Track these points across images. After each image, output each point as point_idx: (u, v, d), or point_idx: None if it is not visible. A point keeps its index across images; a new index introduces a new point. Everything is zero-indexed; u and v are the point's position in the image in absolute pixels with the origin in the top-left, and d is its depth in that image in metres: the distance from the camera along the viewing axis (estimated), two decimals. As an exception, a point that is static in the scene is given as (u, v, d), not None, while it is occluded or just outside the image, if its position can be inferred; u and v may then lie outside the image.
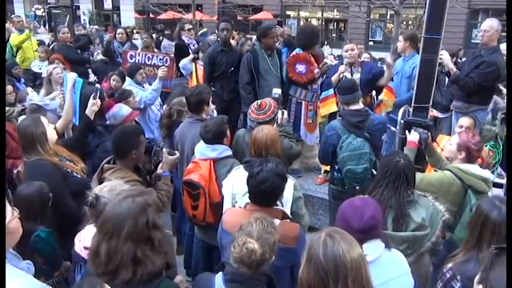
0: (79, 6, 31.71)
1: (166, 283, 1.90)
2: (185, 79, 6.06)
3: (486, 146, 3.99)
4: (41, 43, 9.05)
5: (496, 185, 3.39)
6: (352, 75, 4.60)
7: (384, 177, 2.52)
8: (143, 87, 5.19)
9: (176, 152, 3.31)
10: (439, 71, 4.10)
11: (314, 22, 27.68)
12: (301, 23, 26.55)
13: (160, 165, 3.14)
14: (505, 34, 5.05)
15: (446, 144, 3.16)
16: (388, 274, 1.98)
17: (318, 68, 4.83)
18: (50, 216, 2.76)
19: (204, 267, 3.11)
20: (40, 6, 33.31)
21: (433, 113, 5.44)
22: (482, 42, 4.82)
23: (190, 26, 7.56)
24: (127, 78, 5.17)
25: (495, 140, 4.33)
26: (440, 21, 3.39)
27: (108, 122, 3.97)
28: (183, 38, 7.05)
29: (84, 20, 26.29)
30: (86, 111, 3.72)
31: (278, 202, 2.43)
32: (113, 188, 2.29)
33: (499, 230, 2.02)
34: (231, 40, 5.70)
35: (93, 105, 3.68)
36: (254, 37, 7.04)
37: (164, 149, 3.23)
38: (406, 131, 3.34)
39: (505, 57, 4.86)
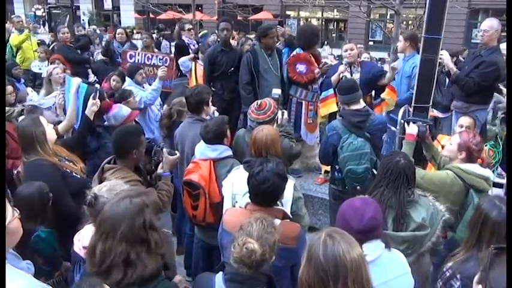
0: (79, 6, 31.72)
1: (164, 284, 1.90)
2: (185, 79, 6.07)
3: (486, 145, 4.00)
4: (42, 43, 9.05)
5: (496, 185, 3.39)
6: (351, 75, 4.60)
7: (384, 177, 2.51)
8: (143, 87, 5.19)
9: (176, 152, 3.31)
10: (439, 71, 4.10)
11: (314, 22, 27.69)
12: (301, 23, 26.56)
13: (160, 165, 3.14)
14: (505, 34, 5.05)
15: (447, 144, 3.16)
16: (388, 274, 1.98)
17: (318, 68, 4.83)
18: (50, 217, 2.76)
19: (204, 268, 3.11)
20: (40, 6, 33.34)
21: (434, 112, 5.44)
22: (482, 42, 4.82)
23: (191, 26, 7.56)
24: (127, 78, 5.17)
25: (495, 139, 4.34)
26: (440, 21, 3.39)
27: (106, 123, 3.96)
28: (183, 38, 7.05)
29: (83, 20, 26.28)
30: (86, 112, 3.73)
31: (278, 202, 2.43)
32: (112, 187, 2.29)
33: (499, 229, 2.02)
34: (231, 40, 5.70)
35: (92, 106, 3.69)
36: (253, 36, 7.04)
37: (164, 149, 3.22)
38: (405, 124, 3.34)
39: (505, 57, 4.86)
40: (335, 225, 2.00)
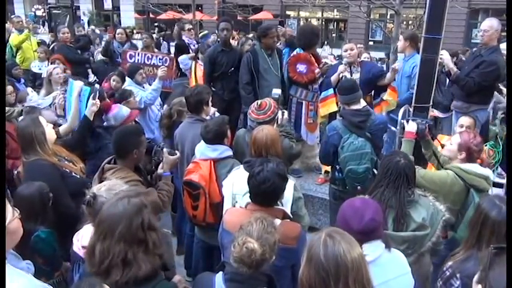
0: (79, 6, 31.73)
1: (163, 284, 1.89)
2: (186, 79, 6.08)
3: (486, 145, 3.99)
4: (42, 43, 9.05)
5: (496, 185, 3.39)
6: (351, 75, 4.61)
7: (385, 177, 2.51)
8: (143, 87, 5.19)
9: (177, 152, 3.31)
10: (438, 71, 4.10)
11: (314, 22, 27.69)
12: (301, 23, 26.56)
13: (160, 165, 3.14)
14: (505, 34, 5.05)
15: (447, 144, 3.16)
16: (388, 274, 1.98)
17: (318, 68, 4.83)
18: (51, 217, 2.76)
19: (204, 268, 3.11)
20: (40, 7, 33.34)
21: (434, 112, 5.44)
22: (482, 42, 4.82)
23: (191, 26, 7.56)
24: (127, 78, 5.17)
25: (495, 139, 4.33)
26: (440, 21, 3.39)
27: (105, 124, 3.96)
28: (183, 38, 7.05)
29: (82, 20, 26.30)
30: (85, 112, 3.73)
31: (278, 202, 2.43)
32: (111, 187, 2.28)
33: (499, 229, 2.02)
34: (231, 40, 5.70)
35: (92, 106, 3.69)
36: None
37: (165, 149, 3.23)
38: (404, 122, 3.34)
39: (505, 57, 4.86)
40: (335, 225, 2.00)
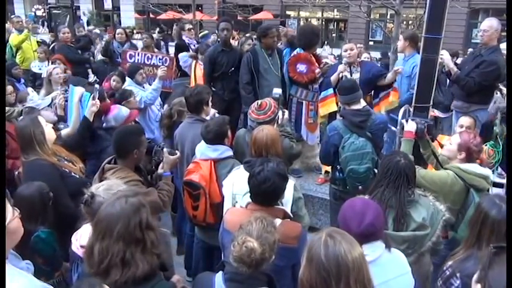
0: (79, 6, 31.74)
1: (161, 284, 1.89)
2: (186, 79, 6.08)
3: (486, 145, 3.99)
4: (42, 43, 9.05)
5: (497, 185, 3.39)
6: (351, 75, 4.60)
7: (385, 177, 2.51)
8: (143, 87, 5.19)
9: (177, 151, 3.31)
10: (439, 71, 4.10)
11: (314, 22, 27.70)
12: (301, 23, 26.57)
13: (161, 165, 3.14)
14: (505, 34, 5.05)
15: (446, 143, 3.16)
16: (388, 274, 1.98)
17: (318, 68, 4.83)
18: (51, 217, 2.76)
19: (204, 268, 3.11)
20: (40, 7, 33.36)
21: (434, 112, 5.44)
22: (482, 42, 4.82)
23: (191, 26, 7.56)
24: (127, 78, 5.17)
25: (495, 139, 4.33)
26: (440, 21, 3.39)
27: (105, 125, 3.95)
28: (184, 38, 7.05)
29: (81, 20, 26.33)
30: (85, 112, 3.72)
31: (278, 202, 2.43)
32: (109, 187, 2.28)
33: (498, 228, 2.02)
34: (231, 40, 5.70)
35: (92, 106, 3.68)
36: (253, 36, 7.04)
37: (165, 149, 3.23)
38: (404, 121, 3.34)
39: (505, 57, 4.86)
40: (336, 225, 2.00)
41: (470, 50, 8.94)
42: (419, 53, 3.67)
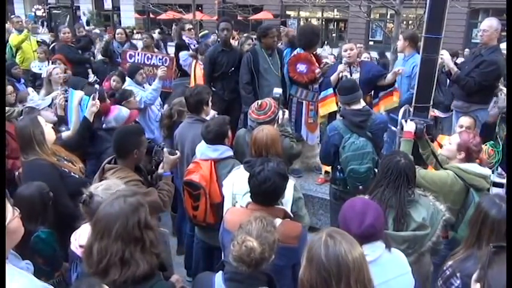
0: (79, 6, 31.75)
1: (160, 284, 1.89)
2: (186, 79, 6.08)
3: (486, 145, 3.99)
4: (43, 43, 9.05)
5: (497, 185, 3.39)
6: (351, 75, 4.60)
7: (385, 176, 2.51)
8: (143, 87, 5.19)
9: (177, 151, 3.31)
10: (439, 71, 4.10)
11: (314, 22, 27.70)
12: (301, 23, 26.57)
13: (161, 165, 3.14)
14: (505, 33, 5.05)
15: (446, 143, 3.16)
16: (388, 274, 1.98)
17: (319, 68, 4.83)
18: (51, 217, 2.76)
19: (204, 268, 3.11)
20: (40, 7, 33.38)
21: (434, 112, 5.43)
22: (482, 42, 4.82)
23: (191, 26, 7.56)
24: (127, 78, 5.17)
25: (495, 139, 4.33)
26: (440, 21, 3.39)
27: (106, 126, 3.95)
28: (184, 37, 7.05)
29: (81, 21, 26.35)
30: (85, 113, 3.72)
31: (279, 202, 2.43)
32: (108, 187, 2.28)
33: (498, 227, 2.02)
34: (231, 40, 5.70)
35: (92, 106, 3.68)
36: (254, 36, 7.05)
37: (165, 149, 3.22)
38: (403, 121, 3.34)
39: (505, 57, 4.86)
40: (336, 225, 2.00)
41: (466, 50, 8.95)
42: (419, 53, 3.67)
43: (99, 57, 7.93)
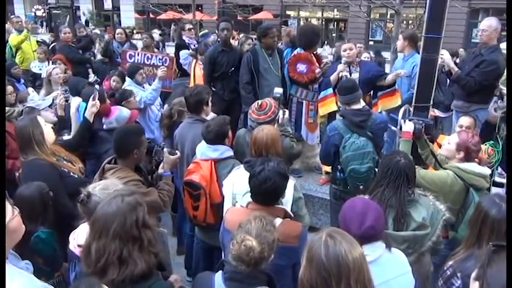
0: (79, 6, 31.76)
1: (159, 284, 1.89)
2: (186, 79, 6.08)
3: (486, 144, 3.99)
4: (43, 43, 9.05)
5: (497, 185, 3.39)
6: (350, 75, 4.60)
7: (385, 176, 2.51)
8: (143, 87, 5.19)
9: (177, 151, 3.31)
10: (439, 71, 4.10)
11: (314, 22, 27.69)
12: (301, 22, 26.57)
13: (161, 165, 3.14)
14: (504, 33, 5.05)
15: (445, 143, 3.16)
16: (388, 274, 1.98)
17: (319, 68, 4.83)
18: (51, 217, 2.76)
19: (204, 268, 3.11)
20: (40, 7, 33.38)
21: (434, 112, 5.43)
22: (482, 42, 4.82)
23: (191, 26, 7.57)
24: (127, 78, 5.17)
25: (495, 139, 4.32)
26: (440, 21, 3.39)
27: (105, 127, 3.95)
28: (184, 37, 7.06)
29: (80, 20, 26.35)
30: (85, 113, 3.72)
31: (279, 201, 2.43)
32: (105, 186, 2.28)
33: (498, 227, 2.02)
34: (231, 40, 5.70)
35: (92, 107, 3.68)
36: (253, 36, 7.06)
37: (165, 149, 3.22)
38: (402, 121, 3.34)
39: (505, 56, 4.86)
40: (336, 225, 2.00)
41: (461, 50, 8.96)
42: (418, 53, 3.67)
43: (99, 57, 7.93)
